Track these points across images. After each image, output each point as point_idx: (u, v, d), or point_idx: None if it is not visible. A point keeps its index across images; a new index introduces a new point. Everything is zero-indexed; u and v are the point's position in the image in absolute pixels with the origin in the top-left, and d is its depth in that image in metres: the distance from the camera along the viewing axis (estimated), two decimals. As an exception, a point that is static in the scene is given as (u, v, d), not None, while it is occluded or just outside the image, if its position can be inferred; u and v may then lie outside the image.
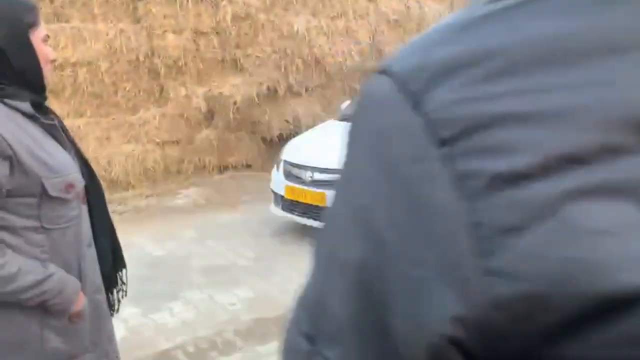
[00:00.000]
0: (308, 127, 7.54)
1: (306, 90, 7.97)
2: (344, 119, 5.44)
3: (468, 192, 0.29)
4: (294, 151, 4.83)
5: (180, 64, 6.92)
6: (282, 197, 4.64)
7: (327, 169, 4.36)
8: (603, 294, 0.26)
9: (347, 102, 5.95)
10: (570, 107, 0.29)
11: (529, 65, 0.30)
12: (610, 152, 0.28)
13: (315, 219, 4.41)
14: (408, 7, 9.10)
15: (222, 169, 7.19)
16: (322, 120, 7.66)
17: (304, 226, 4.64)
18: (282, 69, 7.62)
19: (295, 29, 7.79)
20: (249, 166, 7.42)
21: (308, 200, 4.35)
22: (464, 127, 0.30)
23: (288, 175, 4.64)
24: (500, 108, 0.30)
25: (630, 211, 0.27)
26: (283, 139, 7.50)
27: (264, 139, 7.45)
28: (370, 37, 8.55)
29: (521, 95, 0.30)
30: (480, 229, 0.29)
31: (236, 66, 7.46)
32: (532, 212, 0.28)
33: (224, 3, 7.23)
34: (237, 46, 7.43)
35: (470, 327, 0.29)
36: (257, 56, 7.45)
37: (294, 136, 7.48)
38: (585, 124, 0.28)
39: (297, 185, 4.46)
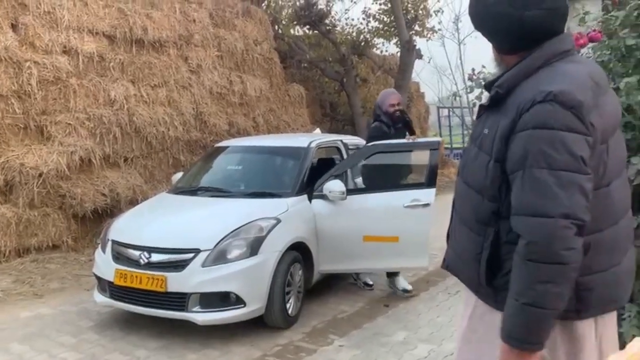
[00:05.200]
0: (127, 201, 6.92)
1: (125, 160, 7.36)
2: (177, 191, 5.05)
3: None
4: (124, 229, 4.27)
5: (-31, 129, 5.84)
6: (110, 283, 4.02)
7: (166, 248, 3.93)
8: None
9: (179, 174, 5.57)
10: None
11: None
12: None
13: (151, 307, 3.88)
14: (230, 81, 9.17)
15: (22, 252, 6.10)
16: (144, 193, 7.11)
17: (138, 315, 4.06)
18: (98, 138, 6.95)
19: (113, 96, 7.25)
20: (55, 247, 6.42)
21: (144, 286, 3.82)
22: None
23: (117, 258, 4.05)
24: None
25: None
26: (98, 215, 6.74)
27: (75, 215, 6.56)
28: (193, 108, 8.34)
29: None
30: None
31: (42, 134, 6.58)
32: None
33: (28, 64, 6.41)
34: (44, 112, 6.58)
35: None
36: (68, 123, 6.69)
37: (111, 211, 6.78)
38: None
39: (129, 269, 3.91)
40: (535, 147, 1.41)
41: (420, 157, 4.80)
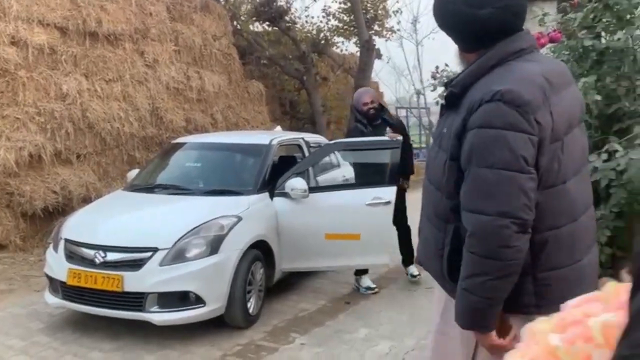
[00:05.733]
0: (80, 199, 6.68)
1: (78, 157, 7.10)
2: (133, 188, 4.91)
3: None
4: (78, 227, 4.11)
5: None
6: (62, 283, 3.86)
7: (122, 247, 3.81)
8: None
9: (135, 171, 5.41)
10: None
11: None
12: None
13: (107, 307, 3.76)
14: (188, 76, 9.00)
15: (-34, 252, 5.81)
16: (98, 191, 6.89)
17: (91, 316, 3.92)
18: (49, 133, 6.69)
19: (65, 90, 6.98)
20: (2, 247, 6.15)
21: (99, 286, 3.69)
22: None
23: (71, 257, 3.90)
24: None
25: None
26: (49, 213, 6.48)
27: (23, 214, 6.30)
28: (149, 103, 8.13)
29: None
30: None
31: (-12, 128, 6.27)
32: None
33: (-27, 55, 6.10)
34: (-9, 105, 6.29)
35: None
36: (17, 118, 6.41)
37: (62, 209, 6.53)
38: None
39: (83, 269, 3.76)
40: (479, 145, 1.45)
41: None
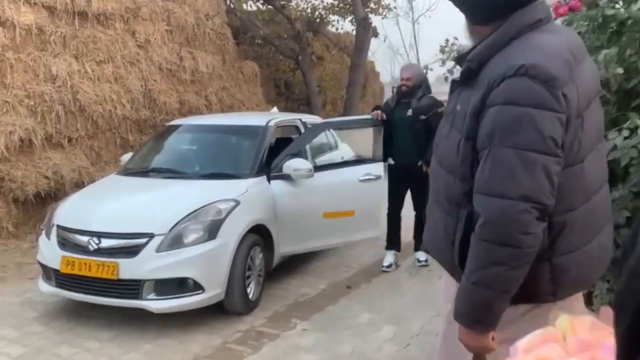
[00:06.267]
0: (73, 184, 6.54)
1: (69, 141, 6.93)
2: (127, 172, 4.77)
3: None
4: (71, 213, 3.98)
5: None
6: (56, 271, 3.75)
7: (116, 233, 3.69)
8: None
9: (128, 154, 5.26)
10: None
11: None
12: None
13: (102, 295, 3.65)
14: (181, 57, 8.78)
15: (-43, 239, 5.67)
16: (90, 176, 6.74)
17: (86, 305, 3.82)
18: (39, 117, 6.50)
19: (54, 72, 6.78)
20: (-6, 234, 6.01)
21: (93, 274, 3.58)
22: None
23: (64, 244, 3.78)
24: None
25: None
26: (41, 199, 6.34)
27: (15, 200, 6.15)
28: (142, 85, 7.93)
29: None
30: None
31: (-24, 112, 6.08)
32: None
33: (-43, 35, 5.89)
34: (-23, 88, 6.09)
35: None
36: (6, 101, 6.22)
37: (55, 195, 6.39)
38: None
39: (77, 256, 3.64)
40: (502, 124, 1.33)
41: None
